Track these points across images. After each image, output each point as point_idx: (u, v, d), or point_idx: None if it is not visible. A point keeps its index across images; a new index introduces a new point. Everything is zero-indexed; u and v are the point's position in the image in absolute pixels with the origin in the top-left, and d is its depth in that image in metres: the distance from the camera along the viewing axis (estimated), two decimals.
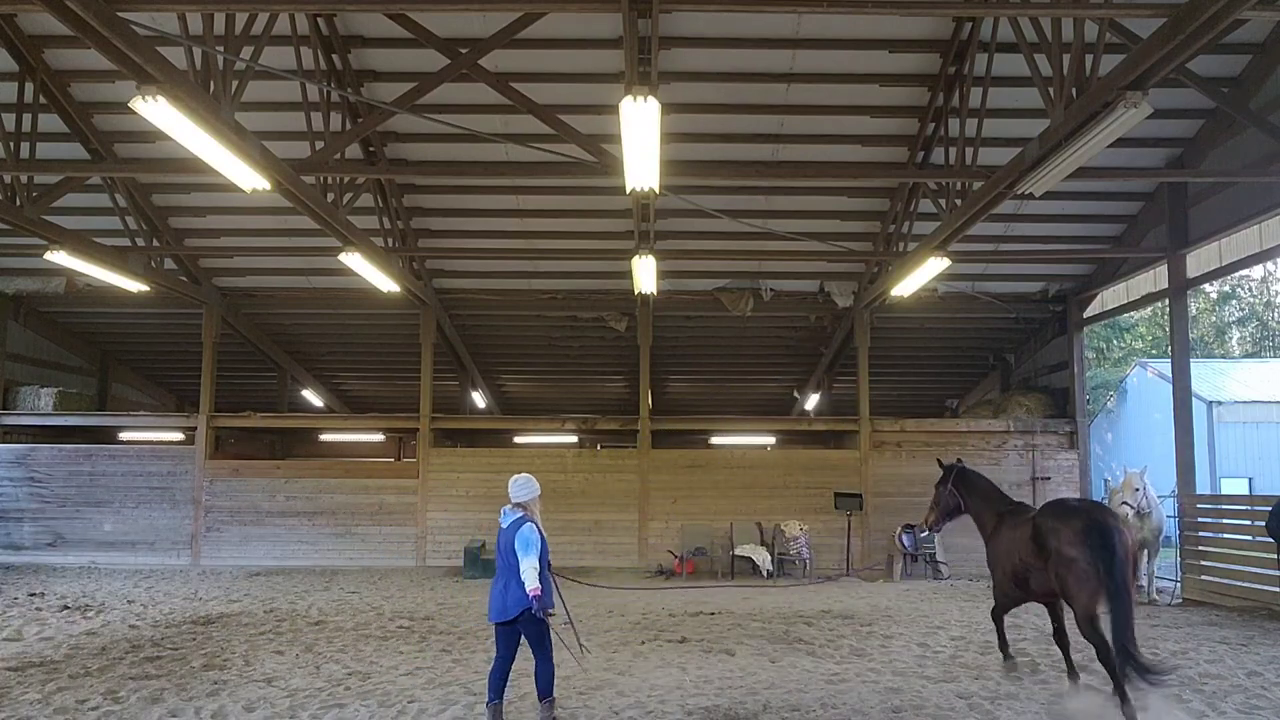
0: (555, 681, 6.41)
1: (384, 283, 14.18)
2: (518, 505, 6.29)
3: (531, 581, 5.94)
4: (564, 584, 7.23)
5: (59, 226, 12.84)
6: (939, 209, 12.73)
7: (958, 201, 11.98)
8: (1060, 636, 7.34)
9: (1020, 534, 7.21)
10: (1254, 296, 38.62)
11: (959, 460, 8.54)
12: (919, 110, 12.85)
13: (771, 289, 17.56)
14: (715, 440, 19.73)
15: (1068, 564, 6.58)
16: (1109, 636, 6.30)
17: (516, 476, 6.37)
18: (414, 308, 17.28)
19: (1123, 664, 6.18)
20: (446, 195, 15.17)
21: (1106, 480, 15.57)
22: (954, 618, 11.08)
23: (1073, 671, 7.27)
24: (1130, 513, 12.28)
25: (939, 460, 8.73)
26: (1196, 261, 13.97)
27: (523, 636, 6.23)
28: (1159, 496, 12.89)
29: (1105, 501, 12.92)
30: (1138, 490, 12.26)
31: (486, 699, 6.35)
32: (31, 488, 16.87)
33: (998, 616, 7.86)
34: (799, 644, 9.26)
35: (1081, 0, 8.81)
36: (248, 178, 9.45)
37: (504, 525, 6.26)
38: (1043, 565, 6.87)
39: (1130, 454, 25.05)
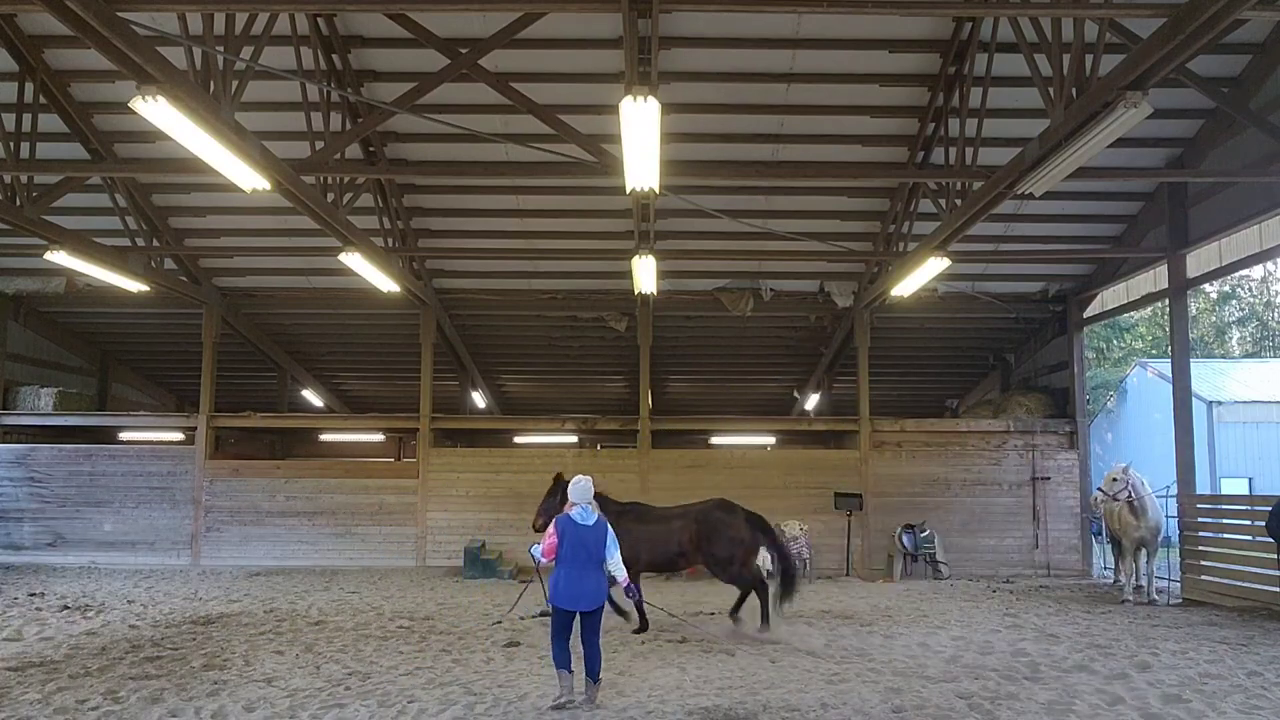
0: (573, 703, 6.84)
1: (384, 283, 14.18)
2: (587, 503, 6.96)
3: (624, 572, 7.11)
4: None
5: (59, 226, 12.84)
6: (939, 209, 12.73)
7: (958, 201, 11.98)
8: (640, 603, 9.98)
9: (675, 526, 10.14)
10: (1254, 296, 38.65)
11: (559, 473, 10.50)
12: (919, 110, 12.85)
13: (771, 289, 17.55)
14: (715, 440, 19.72)
15: (739, 542, 9.90)
16: (778, 581, 9.84)
17: (581, 478, 7.10)
18: (414, 308, 17.27)
19: (790, 592, 9.80)
20: (446, 195, 15.17)
21: None
22: (954, 618, 11.08)
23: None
24: (1101, 498, 12.75)
25: (552, 476, 10.60)
26: (1196, 261, 13.97)
27: (582, 620, 6.86)
28: (1156, 495, 12.94)
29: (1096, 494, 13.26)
30: (1116, 481, 12.50)
31: (561, 668, 6.81)
32: (31, 488, 16.87)
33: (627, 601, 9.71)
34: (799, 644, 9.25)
35: (1081, 0, 8.82)
36: (248, 178, 9.45)
37: (588, 523, 6.90)
38: (697, 547, 9.96)
39: (1130, 454, 25.05)
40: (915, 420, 17.50)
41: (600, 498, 10.12)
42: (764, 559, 15.18)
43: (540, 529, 10.20)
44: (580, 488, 7.02)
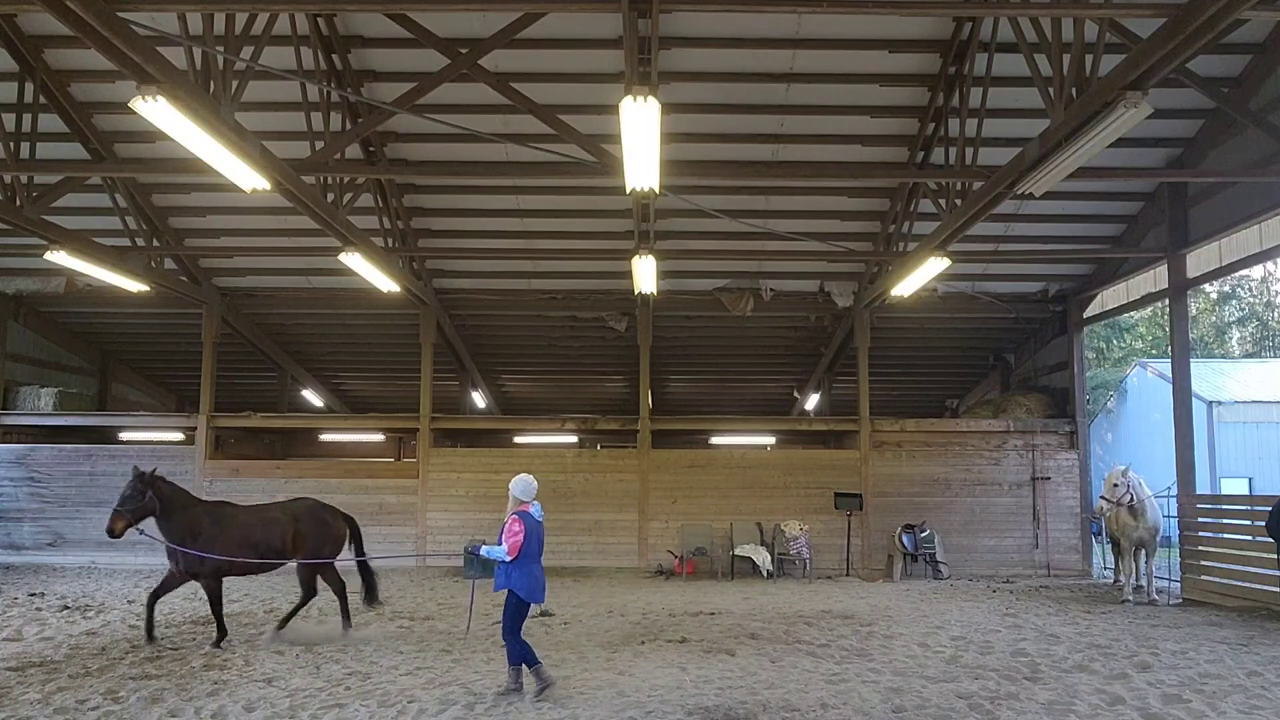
0: (556, 682, 7.24)
1: (384, 283, 14.18)
2: (533, 500, 7.29)
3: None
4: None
5: (59, 226, 12.83)
6: (939, 209, 12.72)
7: (958, 201, 11.98)
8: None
9: (275, 524, 9.71)
10: (1254, 296, 38.61)
11: (154, 470, 9.30)
12: (919, 110, 12.85)
13: (771, 289, 17.55)
14: (715, 440, 19.72)
15: (337, 540, 10.06)
16: (363, 580, 10.12)
17: (525, 476, 7.32)
18: (414, 308, 17.27)
19: (371, 598, 10.11)
20: (446, 195, 15.17)
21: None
22: (954, 618, 11.08)
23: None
24: (1108, 507, 12.68)
25: (135, 467, 9.25)
26: (1196, 261, 13.96)
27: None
28: (1154, 495, 12.96)
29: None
30: (1117, 486, 12.53)
31: (533, 665, 7.14)
32: (31, 488, 16.86)
33: (218, 606, 9.30)
34: (799, 644, 9.26)
35: (1081, 0, 8.82)
36: (248, 178, 9.45)
37: (540, 519, 7.31)
38: (295, 545, 9.71)
39: (1130, 454, 25.07)
40: (915, 420, 17.49)
41: (191, 501, 9.53)
42: (764, 559, 15.33)
43: (119, 534, 8.80)
44: (528, 484, 7.28)
